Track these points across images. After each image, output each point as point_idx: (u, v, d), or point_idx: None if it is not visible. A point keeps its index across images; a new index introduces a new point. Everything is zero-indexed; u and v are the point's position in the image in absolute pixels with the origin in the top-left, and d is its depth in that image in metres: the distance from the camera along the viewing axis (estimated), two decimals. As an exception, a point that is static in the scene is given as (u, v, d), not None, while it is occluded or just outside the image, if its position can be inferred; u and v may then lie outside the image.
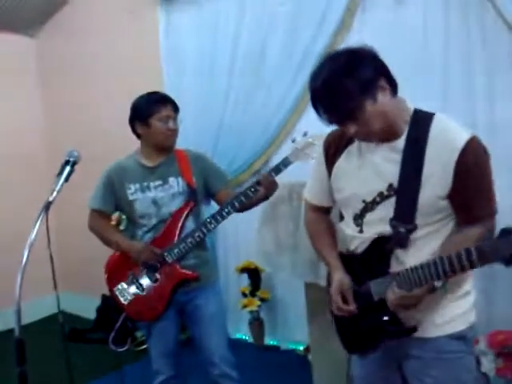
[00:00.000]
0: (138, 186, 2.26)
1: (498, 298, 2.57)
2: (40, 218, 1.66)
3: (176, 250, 2.22)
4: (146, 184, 2.26)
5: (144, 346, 3.82)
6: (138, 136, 2.32)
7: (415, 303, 1.42)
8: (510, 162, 2.40)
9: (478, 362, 2.30)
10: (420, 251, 1.45)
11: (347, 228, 1.62)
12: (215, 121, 3.48)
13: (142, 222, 2.28)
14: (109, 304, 4.10)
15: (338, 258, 1.65)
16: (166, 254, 2.23)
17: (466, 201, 1.41)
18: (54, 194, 1.72)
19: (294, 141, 2.26)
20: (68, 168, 1.77)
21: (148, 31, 3.75)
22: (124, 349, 3.84)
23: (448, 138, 1.41)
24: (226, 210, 2.20)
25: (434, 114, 1.46)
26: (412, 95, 1.53)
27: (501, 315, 2.54)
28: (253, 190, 2.17)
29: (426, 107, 1.50)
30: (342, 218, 1.70)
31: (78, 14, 4.25)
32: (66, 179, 1.76)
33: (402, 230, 1.42)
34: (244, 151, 3.41)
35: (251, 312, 3.50)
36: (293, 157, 2.21)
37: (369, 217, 1.51)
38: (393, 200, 1.45)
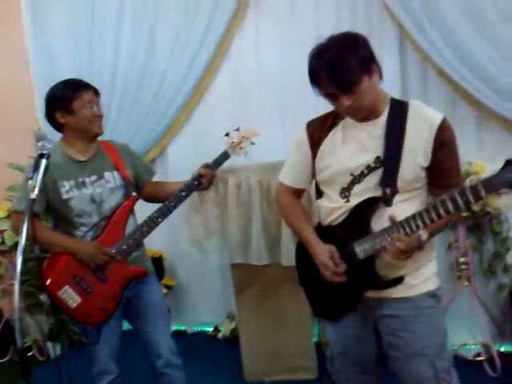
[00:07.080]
0: (72, 182, 2.10)
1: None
2: (26, 219, 1.54)
3: (125, 247, 2.13)
4: (81, 180, 2.11)
5: (30, 353, 3.51)
6: (60, 127, 2.16)
7: (411, 253, 1.58)
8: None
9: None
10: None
11: (329, 202, 1.78)
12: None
13: (80, 221, 2.12)
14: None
15: (316, 234, 1.82)
16: (114, 251, 2.12)
17: (442, 170, 1.68)
18: (36, 190, 1.59)
19: (227, 135, 2.37)
20: (44, 161, 1.64)
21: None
22: (5, 360, 3.52)
23: (425, 116, 1.65)
24: (172, 203, 2.19)
25: (408, 101, 1.72)
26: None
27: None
28: (196, 182, 2.24)
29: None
30: (319, 195, 1.86)
31: None
32: (44, 173, 1.63)
33: (388, 191, 1.66)
34: (138, 140, 3.36)
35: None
36: (230, 150, 2.35)
37: (356, 188, 1.71)
38: (379, 171, 1.67)
